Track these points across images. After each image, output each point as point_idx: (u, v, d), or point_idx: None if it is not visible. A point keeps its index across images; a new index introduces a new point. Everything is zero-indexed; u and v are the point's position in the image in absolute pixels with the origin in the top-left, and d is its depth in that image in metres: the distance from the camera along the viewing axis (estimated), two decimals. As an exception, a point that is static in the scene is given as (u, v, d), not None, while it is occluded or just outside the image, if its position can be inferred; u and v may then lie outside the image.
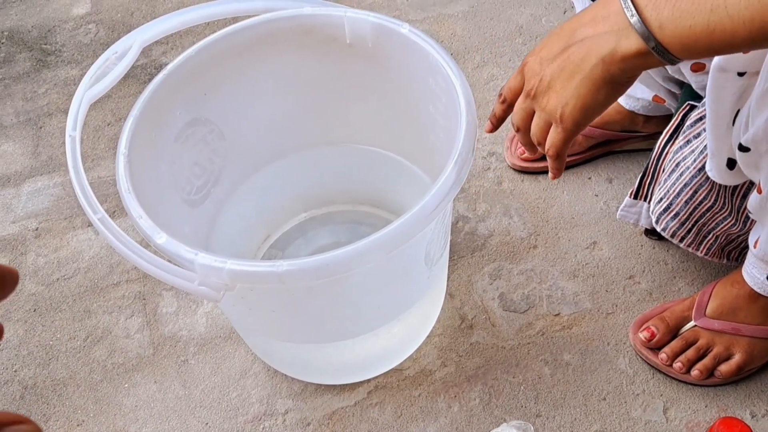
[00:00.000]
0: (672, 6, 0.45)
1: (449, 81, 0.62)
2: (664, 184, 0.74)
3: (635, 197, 0.79)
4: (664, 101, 0.84)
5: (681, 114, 0.74)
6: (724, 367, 0.73)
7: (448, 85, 0.62)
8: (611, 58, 0.48)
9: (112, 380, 0.81)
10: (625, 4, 0.47)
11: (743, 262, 0.72)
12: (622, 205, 0.81)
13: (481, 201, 0.93)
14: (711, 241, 0.75)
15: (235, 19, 0.69)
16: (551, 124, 0.54)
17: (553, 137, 0.55)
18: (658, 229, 0.77)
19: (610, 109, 0.90)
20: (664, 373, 0.76)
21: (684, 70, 0.72)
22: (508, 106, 0.59)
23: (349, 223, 0.90)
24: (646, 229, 0.87)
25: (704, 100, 0.65)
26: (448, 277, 0.83)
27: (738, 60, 0.56)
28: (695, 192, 0.71)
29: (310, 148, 0.83)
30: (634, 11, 0.46)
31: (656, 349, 0.76)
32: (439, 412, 0.76)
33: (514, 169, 0.95)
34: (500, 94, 0.60)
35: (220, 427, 0.76)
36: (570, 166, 0.95)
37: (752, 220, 0.68)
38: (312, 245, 0.88)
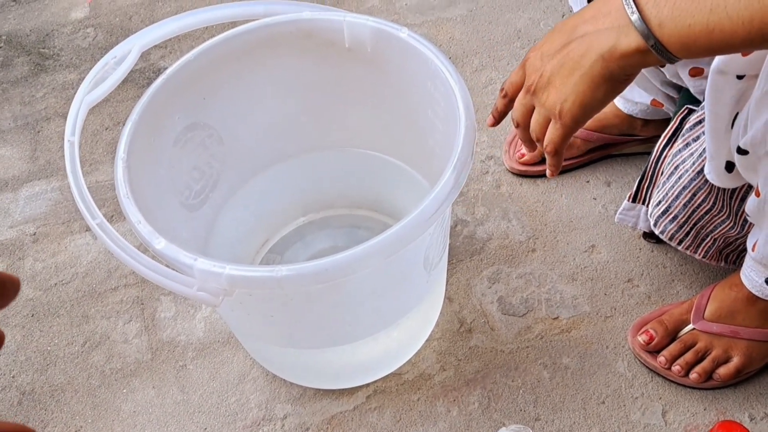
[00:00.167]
0: (672, 5, 0.45)
1: (448, 85, 0.62)
2: (663, 187, 0.74)
3: (634, 200, 0.79)
4: (663, 105, 0.84)
5: (679, 117, 0.74)
6: (723, 370, 0.73)
7: (447, 89, 0.62)
8: (610, 55, 0.49)
9: (111, 385, 0.81)
10: (625, 1, 0.47)
11: (741, 265, 0.72)
12: (621, 208, 0.81)
13: (480, 204, 0.93)
14: (709, 244, 0.75)
15: (233, 24, 0.69)
16: (550, 120, 0.55)
17: (552, 133, 0.55)
18: (657, 232, 0.77)
19: (609, 113, 0.90)
20: (663, 376, 0.76)
21: (682, 75, 0.72)
22: (510, 101, 0.60)
23: (347, 228, 0.90)
24: (645, 233, 0.87)
25: (703, 103, 0.65)
26: (447, 281, 0.83)
27: (737, 63, 0.56)
28: (694, 195, 0.71)
29: (309, 152, 0.83)
30: (635, 8, 0.46)
31: (655, 352, 0.76)
32: (438, 417, 0.75)
33: (513, 173, 0.95)
34: (502, 89, 0.60)
35: (218, 432, 0.76)
36: (568, 170, 0.95)
37: (750, 223, 0.68)
38: (310, 249, 0.88)
